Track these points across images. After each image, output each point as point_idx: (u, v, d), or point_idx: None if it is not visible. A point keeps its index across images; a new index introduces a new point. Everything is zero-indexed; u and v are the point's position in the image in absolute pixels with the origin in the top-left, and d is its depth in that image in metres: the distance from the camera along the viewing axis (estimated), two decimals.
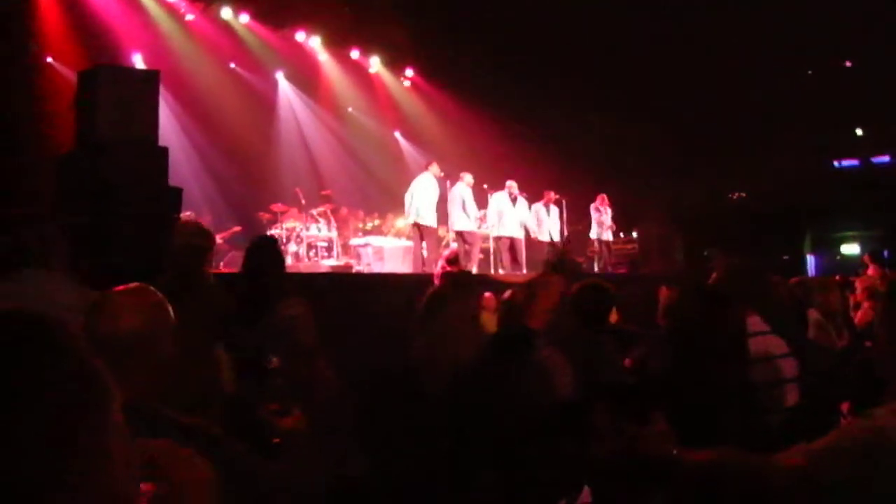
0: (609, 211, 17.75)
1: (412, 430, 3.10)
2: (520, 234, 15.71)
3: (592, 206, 17.70)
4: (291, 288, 4.79)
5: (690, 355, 3.28)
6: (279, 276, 4.95)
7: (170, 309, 2.43)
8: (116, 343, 2.27)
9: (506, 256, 15.45)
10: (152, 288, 2.45)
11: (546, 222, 16.57)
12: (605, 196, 17.79)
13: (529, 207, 16.30)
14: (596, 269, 18.17)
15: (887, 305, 2.47)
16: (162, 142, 8.13)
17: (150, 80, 8.30)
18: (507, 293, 4.63)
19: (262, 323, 3.96)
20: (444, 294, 3.36)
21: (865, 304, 7.24)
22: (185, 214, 13.79)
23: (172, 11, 16.79)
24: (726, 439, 2.63)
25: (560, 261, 15.63)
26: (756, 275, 4.25)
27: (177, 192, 7.99)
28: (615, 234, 18.52)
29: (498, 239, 15.69)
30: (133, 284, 2.43)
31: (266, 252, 5.02)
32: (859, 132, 23.60)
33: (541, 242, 16.59)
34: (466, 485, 3.29)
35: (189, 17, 17.04)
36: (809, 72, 21.26)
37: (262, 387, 3.06)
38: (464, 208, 14.47)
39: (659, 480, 2.85)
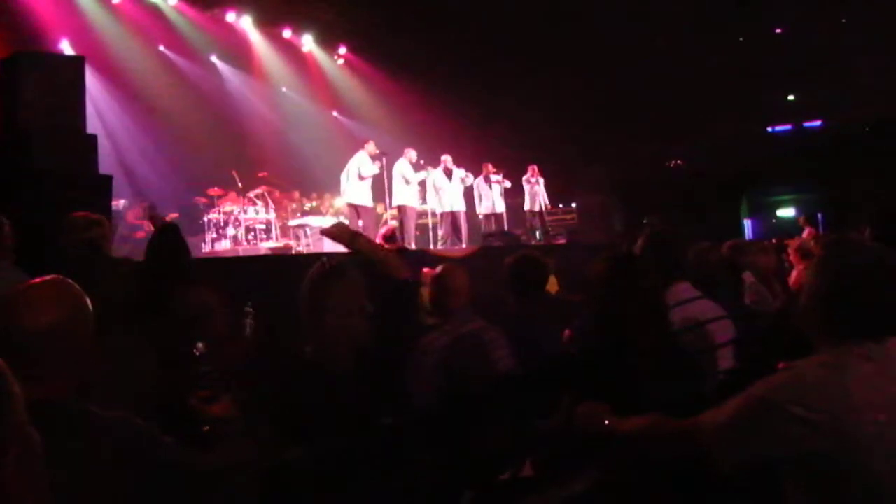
0: (541, 181, 17.69)
1: (341, 412, 3.08)
2: (461, 208, 15.64)
3: (524, 178, 17.61)
4: (199, 275, 4.74)
5: (604, 323, 3.29)
6: (186, 262, 4.89)
7: (88, 301, 2.36)
8: (34, 338, 2.21)
9: (447, 231, 15.39)
10: (70, 280, 2.37)
11: (487, 197, 16.51)
12: (535, 167, 17.70)
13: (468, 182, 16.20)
14: (536, 241, 18.24)
15: (812, 264, 2.52)
16: (95, 129, 8.00)
17: (75, 65, 8.13)
18: (427, 270, 4.63)
19: (174, 310, 3.89)
20: (326, 276, 3.33)
21: (799, 266, 7.27)
22: (120, 202, 13.66)
23: None
24: (656, 407, 2.65)
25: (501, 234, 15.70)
26: (674, 240, 4.26)
27: (107, 180, 7.86)
28: (552, 205, 18.55)
29: (438, 214, 15.65)
30: (50, 277, 2.35)
31: (170, 239, 4.95)
32: (791, 98, 23.98)
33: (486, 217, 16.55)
34: (407, 464, 3.28)
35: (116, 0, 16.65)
36: (741, 39, 21.49)
37: (189, 374, 3.00)
38: (405, 184, 14.43)
39: (594, 451, 2.88)
